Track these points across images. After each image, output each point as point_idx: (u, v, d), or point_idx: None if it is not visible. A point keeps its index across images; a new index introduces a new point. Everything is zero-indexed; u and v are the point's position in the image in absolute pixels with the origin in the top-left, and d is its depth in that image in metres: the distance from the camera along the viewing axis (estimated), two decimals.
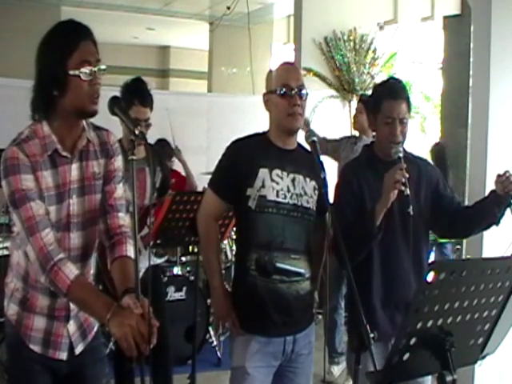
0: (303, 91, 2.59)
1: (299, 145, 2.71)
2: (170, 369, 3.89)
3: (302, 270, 2.59)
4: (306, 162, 2.60)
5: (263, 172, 2.58)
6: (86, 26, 2.08)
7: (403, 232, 2.69)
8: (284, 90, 2.57)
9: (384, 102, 2.71)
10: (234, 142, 2.69)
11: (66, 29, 2.07)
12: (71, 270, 1.98)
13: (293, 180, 2.61)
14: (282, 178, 2.60)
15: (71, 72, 1.99)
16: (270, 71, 2.72)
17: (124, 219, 2.23)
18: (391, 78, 3.00)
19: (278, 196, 2.57)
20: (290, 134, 2.65)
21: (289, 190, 2.59)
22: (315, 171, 2.52)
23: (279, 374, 2.65)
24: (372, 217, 2.57)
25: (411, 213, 2.53)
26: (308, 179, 2.65)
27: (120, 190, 2.24)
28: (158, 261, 4.05)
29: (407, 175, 2.54)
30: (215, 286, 2.70)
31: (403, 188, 2.53)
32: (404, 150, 2.73)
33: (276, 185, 2.58)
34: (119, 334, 1.85)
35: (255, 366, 2.56)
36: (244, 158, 2.61)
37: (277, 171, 2.60)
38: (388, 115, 2.69)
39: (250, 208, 2.57)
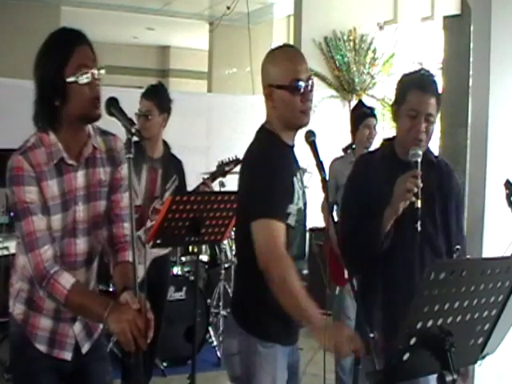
0: (311, 81, 2.33)
1: None
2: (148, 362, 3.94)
3: None
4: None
5: (295, 182, 2.36)
6: (79, 31, 2.09)
7: (411, 246, 2.43)
8: (295, 85, 2.28)
9: (411, 93, 2.45)
10: (271, 157, 2.30)
11: (60, 37, 2.09)
12: (67, 280, 2.02)
13: (299, 179, 2.43)
14: (297, 181, 2.40)
15: (69, 79, 2.01)
16: (270, 58, 2.39)
17: (128, 228, 2.24)
18: (422, 69, 2.64)
19: (298, 203, 2.36)
20: (299, 129, 2.40)
21: (298, 194, 2.38)
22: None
23: None
24: (379, 223, 2.38)
25: (419, 228, 2.31)
26: (299, 175, 2.45)
27: (126, 200, 2.25)
28: (162, 252, 4.08)
29: (421, 185, 2.32)
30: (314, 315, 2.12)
31: (414, 199, 2.31)
32: (428, 150, 2.53)
33: (298, 189, 2.37)
34: (118, 329, 1.90)
35: (283, 378, 2.37)
36: (283, 173, 2.31)
37: (296, 175, 2.40)
38: (413, 107, 2.44)
39: (289, 225, 2.29)
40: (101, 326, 2.29)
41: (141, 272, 3.48)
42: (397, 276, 2.46)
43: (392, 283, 2.47)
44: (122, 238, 2.24)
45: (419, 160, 2.38)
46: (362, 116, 4.61)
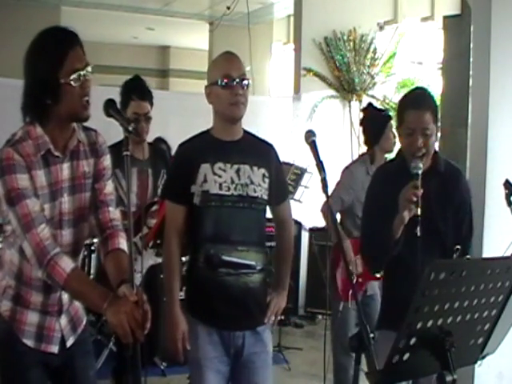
0: (245, 81, 2.61)
1: (247, 133, 2.74)
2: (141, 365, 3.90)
3: (251, 262, 2.61)
4: (254, 151, 2.66)
5: (204, 167, 2.61)
6: (72, 31, 2.13)
7: (413, 251, 2.53)
8: (225, 81, 2.59)
9: (406, 113, 2.65)
10: (179, 146, 2.75)
11: (53, 38, 2.11)
12: (67, 264, 2.05)
13: (237, 171, 2.63)
14: (224, 171, 2.62)
15: (62, 80, 2.06)
16: (210, 64, 2.76)
17: (114, 213, 2.31)
18: (417, 88, 2.88)
19: (221, 189, 2.59)
20: (234, 122, 2.67)
21: (233, 182, 2.61)
22: (265, 159, 2.64)
23: (236, 372, 2.66)
24: (391, 230, 2.53)
25: (418, 234, 2.46)
26: (256, 168, 2.66)
27: (109, 186, 2.32)
28: (159, 260, 4.07)
29: (420, 193, 2.48)
30: (174, 315, 2.65)
31: (413, 208, 2.48)
32: (437, 159, 2.69)
33: (218, 178, 2.60)
34: (115, 321, 1.94)
35: (208, 356, 2.58)
36: (186, 158, 2.67)
37: (219, 164, 2.62)
38: (409, 125, 2.62)
39: (195, 205, 2.60)
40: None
41: (138, 280, 3.48)
42: (399, 281, 2.60)
43: (394, 285, 2.66)
44: (109, 222, 2.28)
45: (419, 172, 2.53)
46: (386, 119, 4.38)
